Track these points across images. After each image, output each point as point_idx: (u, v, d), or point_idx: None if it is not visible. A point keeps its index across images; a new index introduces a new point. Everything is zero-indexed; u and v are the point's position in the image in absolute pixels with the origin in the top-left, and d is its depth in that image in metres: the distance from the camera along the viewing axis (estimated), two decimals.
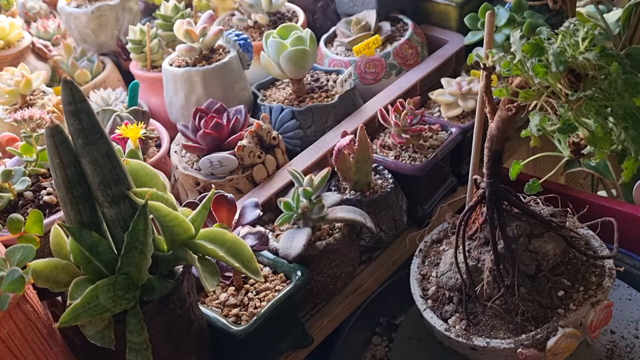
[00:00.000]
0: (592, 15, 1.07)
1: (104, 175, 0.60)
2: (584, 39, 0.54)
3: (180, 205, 0.74)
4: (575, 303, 0.74)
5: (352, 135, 0.88)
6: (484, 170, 0.69)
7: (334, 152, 0.88)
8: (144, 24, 1.19)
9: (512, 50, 0.58)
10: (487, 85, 0.65)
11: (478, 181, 0.73)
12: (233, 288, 0.78)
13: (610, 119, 0.55)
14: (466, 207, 0.78)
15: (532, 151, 0.83)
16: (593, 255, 0.78)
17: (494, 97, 0.65)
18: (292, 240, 0.81)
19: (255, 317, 0.73)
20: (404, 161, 0.96)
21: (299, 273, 0.78)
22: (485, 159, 0.68)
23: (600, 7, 1.03)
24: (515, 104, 0.62)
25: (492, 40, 0.73)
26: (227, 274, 0.79)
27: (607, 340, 0.87)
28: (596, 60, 0.52)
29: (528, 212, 0.77)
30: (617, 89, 0.52)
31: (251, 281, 0.80)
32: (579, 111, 0.55)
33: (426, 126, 0.97)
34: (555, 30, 0.58)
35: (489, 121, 0.67)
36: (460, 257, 0.78)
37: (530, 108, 0.62)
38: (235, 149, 0.91)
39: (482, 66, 0.64)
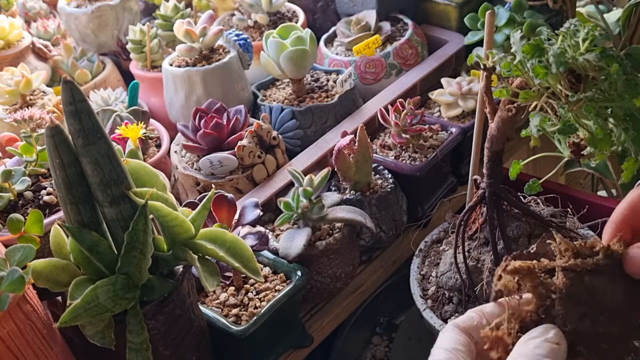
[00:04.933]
0: (592, 15, 1.07)
1: (104, 175, 0.60)
2: (584, 40, 0.54)
3: (180, 205, 0.74)
4: None
5: (352, 135, 0.88)
6: (484, 171, 0.69)
7: (334, 152, 0.88)
8: (144, 24, 1.19)
9: (512, 50, 0.58)
10: (487, 85, 0.65)
11: (478, 181, 0.73)
12: (233, 288, 0.78)
13: (611, 120, 0.55)
14: (466, 207, 0.78)
15: (532, 151, 0.83)
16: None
17: (494, 97, 0.65)
18: (292, 240, 0.81)
19: (255, 317, 0.73)
20: (404, 161, 0.96)
21: (299, 273, 0.78)
22: (485, 159, 0.67)
23: (600, 7, 1.03)
24: (515, 105, 0.62)
25: (492, 40, 0.73)
26: (227, 274, 0.79)
27: None
28: (597, 62, 0.52)
29: (528, 212, 0.77)
30: (617, 90, 0.52)
31: (251, 281, 0.80)
32: (579, 112, 0.55)
33: (426, 126, 0.97)
34: (556, 31, 0.58)
35: (489, 121, 0.67)
36: (460, 257, 0.78)
37: (530, 109, 0.62)
38: (235, 149, 0.91)
39: (482, 67, 0.64)
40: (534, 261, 0.50)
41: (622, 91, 0.52)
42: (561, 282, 0.49)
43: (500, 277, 0.51)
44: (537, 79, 0.55)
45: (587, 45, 0.53)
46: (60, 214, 0.79)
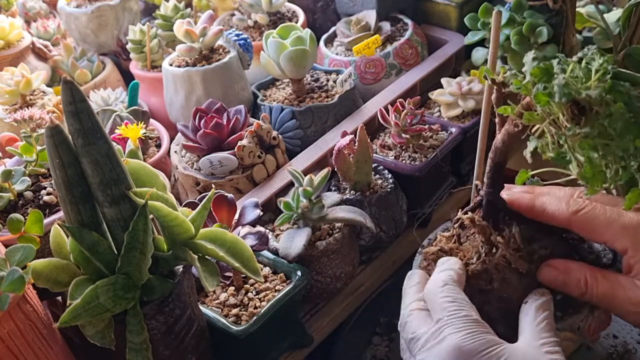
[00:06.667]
0: (592, 15, 1.07)
1: (104, 175, 0.60)
2: (597, 71, 0.53)
3: (180, 205, 0.74)
4: (573, 306, 0.74)
5: (352, 135, 0.88)
6: (485, 179, 0.69)
7: (334, 152, 0.88)
8: (144, 24, 1.19)
9: (523, 70, 0.58)
10: (497, 98, 0.65)
11: (478, 187, 0.73)
12: (233, 288, 0.78)
13: (609, 157, 0.54)
14: (463, 211, 0.78)
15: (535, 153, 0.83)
16: (594, 259, 0.78)
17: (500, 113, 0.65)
18: (292, 240, 0.81)
19: (255, 317, 0.73)
20: (404, 161, 0.96)
21: (299, 273, 0.78)
22: (487, 167, 0.68)
23: (600, 7, 1.03)
24: (522, 121, 0.62)
25: (498, 40, 0.72)
26: (227, 274, 0.79)
27: (609, 344, 0.86)
28: (599, 98, 0.51)
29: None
30: (616, 129, 0.52)
31: (251, 281, 0.80)
32: (575, 146, 0.55)
33: (426, 126, 0.97)
34: (571, 59, 0.57)
35: (497, 132, 0.67)
36: None
37: (532, 130, 0.62)
38: (235, 149, 0.91)
39: (490, 81, 0.64)
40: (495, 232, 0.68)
41: (622, 131, 0.52)
42: (497, 257, 0.66)
43: (466, 213, 0.69)
44: (539, 106, 0.55)
45: (598, 76, 0.53)
46: (60, 214, 0.79)
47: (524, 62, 0.58)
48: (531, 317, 0.63)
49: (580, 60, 0.55)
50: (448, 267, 0.66)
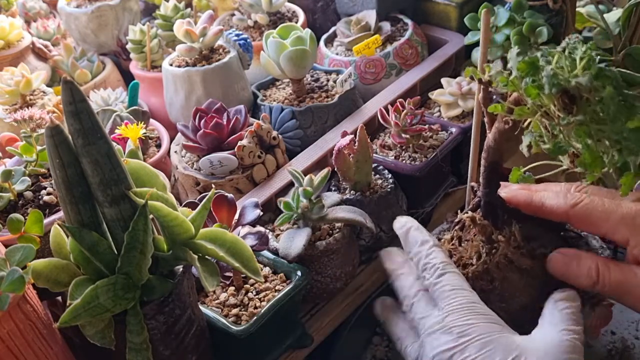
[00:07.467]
0: (592, 15, 1.07)
1: (104, 175, 0.60)
2: (581, 59, 0.53)
3: (180, 205, 0.74)
4: None
5: (352, 135, 0.88)
6: (480, 180, 0.69)
7: (334, 152, 0.88)
8: (144, 24, 1.19)
9: (509, 66, 0.58)
10: (484, 97, 0.65)
11: (474, 189, 0.73)
12: (233, 288, 0.78)
13: (606, 141, 0.54)
14: (463, 212, 0.78)
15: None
16: None
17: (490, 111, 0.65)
18: (292, 240, 0.81)
19: (255, 317, 0.73)
20: (404, 161, 0.96)
21: (299, 273, 0.78)
22: (482, 168, 0.67)
23: (600, 7, 1.03)
24: (512, 118, 0.62)
25: (487, 39, 0.72)
26: (227, 274, 0.79)
27: (608, 341, 0.87)
28: (589, 85, 0.51)
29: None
30: (609, 114, 0.51)
31: (251, 281, 0.80)
32: (570, 134, 0.55)
33: (426, 126, 0.97)
34: (555, 49, 0.57)
35: (487, 131, 0.67)
36: None
37: (524, 125, 0.61)
38: (235, 149, 0.91)
39: (477, 80, 0.64)
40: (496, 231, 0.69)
41: (615, 115, 0.52)
42: (498, 256, 0.68)
43: (466, 213, 0.70)
44: (530, 99, 0.55)
45: (583, 64, 0.53)
46: (60, 214, 0.79)
47: (509, 58, 0.58)
48: (549, 312, 0.63)
49: (563, 50, 0.55)
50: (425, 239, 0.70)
